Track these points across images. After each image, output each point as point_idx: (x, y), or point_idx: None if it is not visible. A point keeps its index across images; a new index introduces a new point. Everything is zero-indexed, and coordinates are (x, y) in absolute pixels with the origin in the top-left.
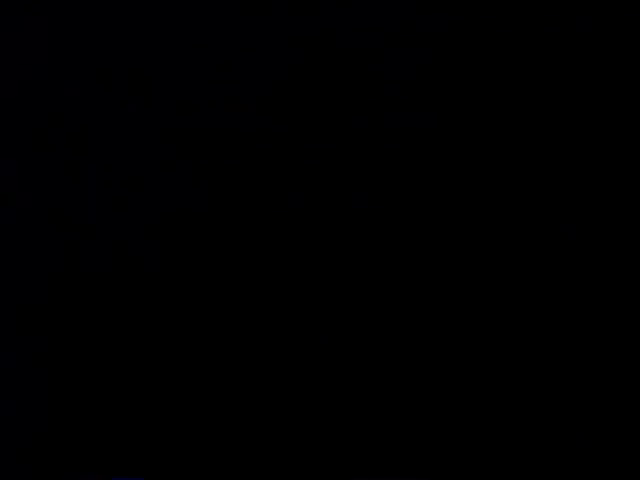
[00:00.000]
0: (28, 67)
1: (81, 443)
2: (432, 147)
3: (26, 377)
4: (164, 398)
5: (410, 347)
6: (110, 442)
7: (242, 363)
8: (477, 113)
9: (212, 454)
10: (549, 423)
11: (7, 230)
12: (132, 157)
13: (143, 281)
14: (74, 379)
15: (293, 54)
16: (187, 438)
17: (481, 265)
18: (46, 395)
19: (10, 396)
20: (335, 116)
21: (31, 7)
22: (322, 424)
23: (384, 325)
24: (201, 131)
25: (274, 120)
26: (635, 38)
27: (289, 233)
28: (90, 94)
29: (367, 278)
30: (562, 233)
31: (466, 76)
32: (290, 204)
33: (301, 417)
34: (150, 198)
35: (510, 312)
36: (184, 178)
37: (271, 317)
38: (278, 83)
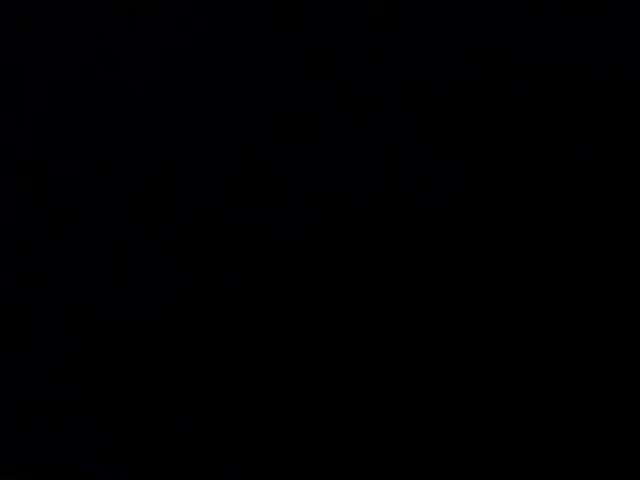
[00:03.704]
0: None
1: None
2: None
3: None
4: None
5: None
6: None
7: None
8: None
9: (208, 451)
10: (546, 423)
11: None
12: None
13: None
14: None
15: None
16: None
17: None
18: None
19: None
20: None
21: None
22: (321, 422)
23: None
24: None
25: None
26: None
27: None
28: None
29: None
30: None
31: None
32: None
33: (301, 415)
34: None
35: (505, 311)
36: None
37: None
38: None
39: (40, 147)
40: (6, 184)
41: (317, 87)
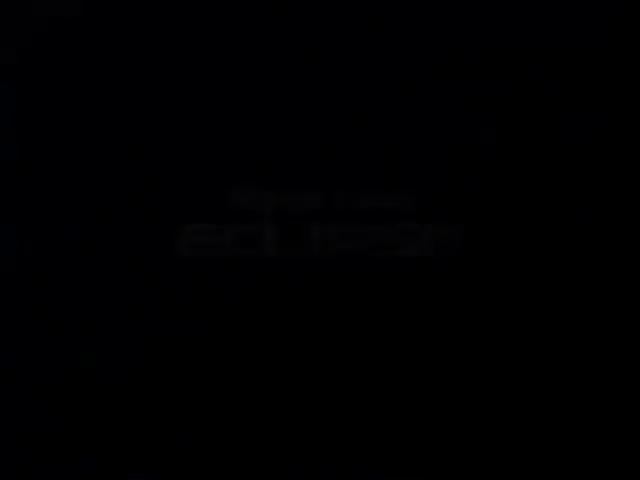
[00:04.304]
0: None
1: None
2: None
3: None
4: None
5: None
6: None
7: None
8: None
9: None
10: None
11: None
12: None
13: None
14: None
15: None
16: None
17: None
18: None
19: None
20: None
21: None
22: (321, 422)
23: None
24: None
25: None
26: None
27: None
28: None
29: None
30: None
31: None
32: None
33: (301, 414)
34: None
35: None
36: None
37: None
38: None
39: (40, 147)
40: (6, 184)
41: (317, 87)
